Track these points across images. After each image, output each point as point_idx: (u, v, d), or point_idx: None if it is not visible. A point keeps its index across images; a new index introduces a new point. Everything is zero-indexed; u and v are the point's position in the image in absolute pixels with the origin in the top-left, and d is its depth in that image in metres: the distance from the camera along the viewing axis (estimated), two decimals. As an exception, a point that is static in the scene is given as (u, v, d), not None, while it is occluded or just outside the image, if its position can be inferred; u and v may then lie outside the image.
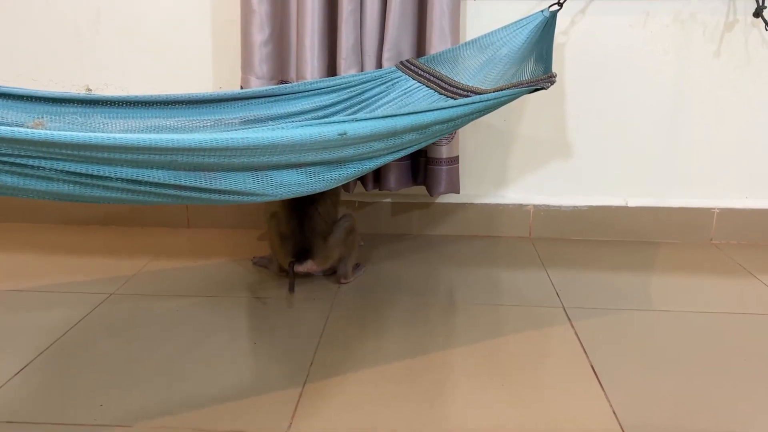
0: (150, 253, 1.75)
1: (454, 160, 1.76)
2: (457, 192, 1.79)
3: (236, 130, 1.25)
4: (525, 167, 1.90)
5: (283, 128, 1.00)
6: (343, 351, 1.23)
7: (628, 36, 1.76)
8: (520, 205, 1.91)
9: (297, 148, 1.01)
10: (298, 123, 1.02)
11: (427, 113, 1.12)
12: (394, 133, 1.11)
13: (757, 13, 1.64)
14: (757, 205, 1.84)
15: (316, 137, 1.00)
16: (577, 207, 1.88)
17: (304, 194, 1.11)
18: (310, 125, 1.02)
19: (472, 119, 1.24)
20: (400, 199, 1.93)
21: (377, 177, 1.77)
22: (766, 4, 1.63)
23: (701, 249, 1.83)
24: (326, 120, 1.03)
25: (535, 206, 1.90)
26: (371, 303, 1.45)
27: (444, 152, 1.73)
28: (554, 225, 1.90)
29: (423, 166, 1.78)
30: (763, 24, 1.63)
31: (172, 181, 0.97)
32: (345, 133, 1.03)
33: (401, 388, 1.10)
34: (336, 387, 1.10)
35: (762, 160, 1.82)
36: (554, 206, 1.89)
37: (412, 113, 1.10)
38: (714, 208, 1.86)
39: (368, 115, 1.08)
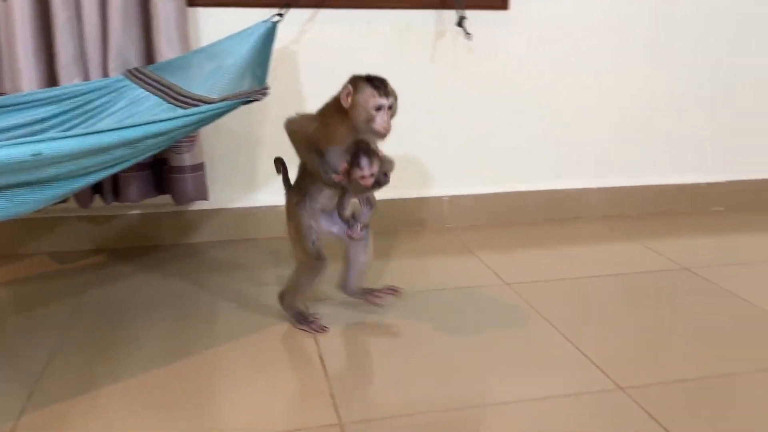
0: None
1: (199, 167, 1.76)
2: (206, 198, 1.80)
3: None
4: (273, 170, 1.96)
5: (-37, 152, 0.93)
6: (74, 376, 1.18)
7: (355, 43, 1.90)
8: (273, 207, 1.97)
9: (-18, 172, 0.95)
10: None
11: (135, 128, 1.11)
12: (101, 150, 1.09)
13: (459, 23, 1.86)
14: (477, 191, 2.10)
15: (4, 159, 0.95)
16: (325, 204, 1.99)
17: (7, 218, 1.05)
18: (-1, 147, 0.96)
19: (188, 132, 1.26)
20: (149, 210, 1.88)
21: (116, 189, 1.71)
22: (466, 15, 1.86)
23: (436, 233, 2.04)
24: (17, 141, 0.98)
25: (287, 206, 1.97)
26: (112, 321, 1.41)
27: (187, 160, 1.72)
28: (306, 223, 1.99)
29: (166, 175, 1.76)
30: (463, 33, 1.86)
31: None
32: (40, 154, 0.99)
33: (144, 410, 1.10)
34: (58, 417, 1.06)
35: (472, 152, 2.07)
36: (304, 205, 1.98)
37: (117, 129, 1.08)
38: (444, 196, 2.08)
39: (67, 133, 1.04)
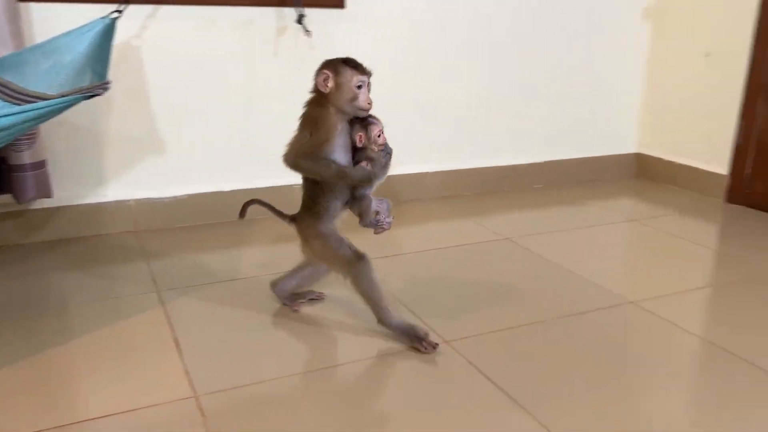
0: None
1: (41, 165, 1.74)
2: (50, 196, 1.78)
3: None
4: (122, 164, 1.97)
5: None
6: None
7: (198, 39, 1.95)
8: (122, 201, 1.98)
9: None
10: None
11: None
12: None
13: (299, 21, 1.98)
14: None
15: None
16: (176, 197, 2.03)
17: None
18: None
19: (27, 128, 1.27)
20: (-12, 211, 1.83)
21: (-51, 190, 1.66)
22: (305, 13, 1.98)
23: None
24: None
25: (137, 200, 1.99)
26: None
27: (27, 158, 1.70)
28: (157, 216, 2.02)
29: (5, 173, 1.72)
30: (303, 30, 1.98)
31: None
32: None
33: None
34: None
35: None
36: (156, 198, 2.01)
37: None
38: (294, 185, 2.19)
39: None
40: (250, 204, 1.49)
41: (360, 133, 1.35)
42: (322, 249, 1.39)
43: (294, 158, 1.34)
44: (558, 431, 1.09)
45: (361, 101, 1.32)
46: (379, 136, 1.36)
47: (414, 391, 1.21)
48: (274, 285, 1.53)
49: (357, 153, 1.37)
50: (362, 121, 1.35)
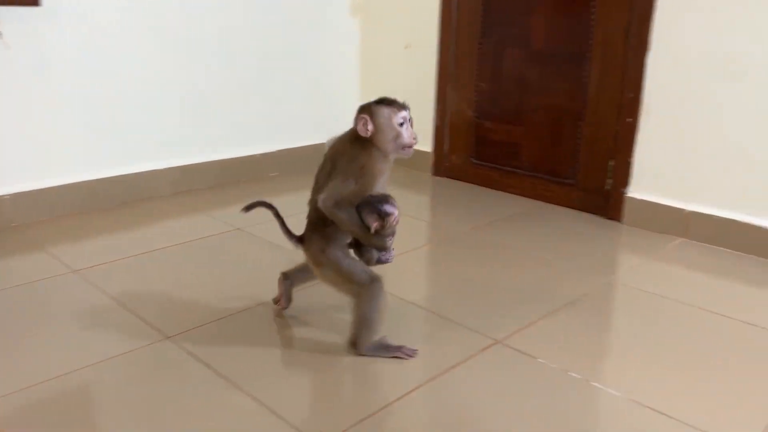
0: None
1: None
2: None
3: None
4: None
5: None
6: None
7: None
8: None
9: None
10: None
11: None
12: None
13: (-14, 21, 1.83)
14: (41, 186, 2.11)
15: None
16: None
17: None
18: None
19: None
20: None
21: None
22: (-7, 12, 1.84)
23: (0, 234, 2.00)
24: None
25: None
26: None
27: None
28: None
29: None
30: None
31: None
32: None
33: None
34: None
35: (28, 146, 2.07)
36: None
37: None
38: (5, 195, 2.04)
39: None
40: (260, 206, 1.43)
41: (375, 223, 1.29)
42: (334, 275, 1.36)
43: (334, 206, 1.29)
44: (269, 402, 1.22)
45: (406, 138, 1.29)
46: (396, 221, 1.32)
47: (138, 388, 1.25)
48: (286, 276, 1.52)
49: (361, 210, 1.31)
50: (380, 202, 1.30)
